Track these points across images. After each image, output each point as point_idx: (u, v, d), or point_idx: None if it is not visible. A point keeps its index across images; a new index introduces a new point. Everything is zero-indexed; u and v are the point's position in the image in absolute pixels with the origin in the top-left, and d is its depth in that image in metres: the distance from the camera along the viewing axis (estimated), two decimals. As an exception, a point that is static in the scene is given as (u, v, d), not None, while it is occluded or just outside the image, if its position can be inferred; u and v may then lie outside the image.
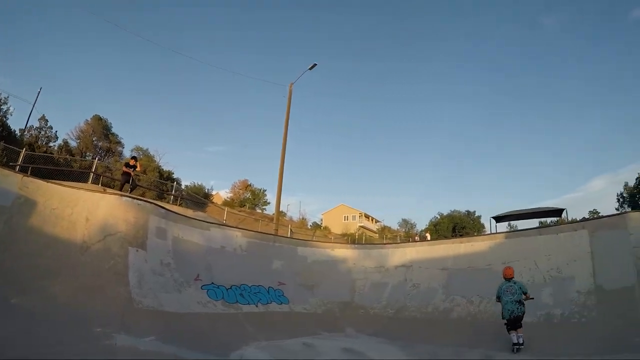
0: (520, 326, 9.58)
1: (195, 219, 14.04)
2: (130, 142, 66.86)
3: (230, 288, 12.39)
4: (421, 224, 74.62)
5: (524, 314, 9.68)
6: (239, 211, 42.22)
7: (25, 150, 19.75)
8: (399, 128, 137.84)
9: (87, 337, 7.17)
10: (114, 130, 40.93)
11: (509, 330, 9.69)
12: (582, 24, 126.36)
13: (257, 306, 12.45)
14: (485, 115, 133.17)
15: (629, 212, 13.84)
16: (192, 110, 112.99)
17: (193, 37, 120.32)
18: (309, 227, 52.09)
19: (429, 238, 38.37)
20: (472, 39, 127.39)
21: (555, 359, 8.91)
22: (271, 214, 50.17)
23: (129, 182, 17.84)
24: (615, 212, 55.00)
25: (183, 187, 38.59)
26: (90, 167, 22.39)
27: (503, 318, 9.76)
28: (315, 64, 26.74)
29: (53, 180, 12.02)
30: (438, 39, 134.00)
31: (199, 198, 31.99)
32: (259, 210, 52.60)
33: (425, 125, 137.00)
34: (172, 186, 27.71)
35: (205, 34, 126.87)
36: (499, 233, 17.32)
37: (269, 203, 56.30)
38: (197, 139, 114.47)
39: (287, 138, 25.80)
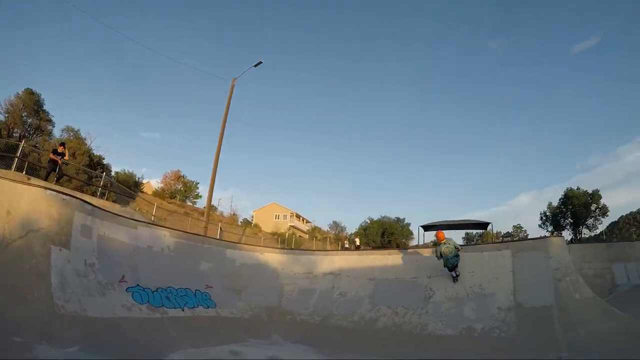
0: (456, 267, 13.27)
1: (123, 216, 13.39)
2: (61, 122, 63.92)
3: (156, 290, 11.88)
4: (351, 227, 75.55)
5: (458, 262, 13.11)
6: (169, 202, 41.34)
7: None
8: (336, 128, 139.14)
9: (5, 348, 6.64)
10: (46, 107, 38.47)
11: (449, 270, 13.37)
12: (523, 51, 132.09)
13: (183, 310, 12.03)
14: (419, 122, 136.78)
15: (550, 237, 14.86)
16: (131, 93, 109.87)
17: (142, 22, 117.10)
18: (239, 224, 51.62)
19: (358, 243, 39.04)
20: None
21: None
22: (202, 207, 49.44)
23: (55, 171, 17.12)
24: (539, 230, 58.57)
25: (113, 173, 37.01)
26: (16, 149, 21.07)
27: (445, 267, 13.23)
28: (261, 62, 26.63)
29: None
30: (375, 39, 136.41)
31: (128, 191, 30.87)
32: (189, 203, 51.69)
33: (361, 129, 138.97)
34: (102, 176, 26.56)
35: (155, 21, 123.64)
36: (426, 247, 17.81)
37: (200, 196, 55.49)
38: (133, 122, 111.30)
39: (225, 132, 25.56)
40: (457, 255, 12.99)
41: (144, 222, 14.78)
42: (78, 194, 16.21)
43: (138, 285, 11.60)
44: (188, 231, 17.30)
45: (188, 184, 55.21)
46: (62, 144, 18.84)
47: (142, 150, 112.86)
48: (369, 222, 66.08)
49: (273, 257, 17.33)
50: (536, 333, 10.83)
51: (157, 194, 46.34)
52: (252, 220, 67.98)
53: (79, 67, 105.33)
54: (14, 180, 11.65)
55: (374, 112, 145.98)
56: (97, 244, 11.45)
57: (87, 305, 9.54)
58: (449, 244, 12.99)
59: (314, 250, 20.99)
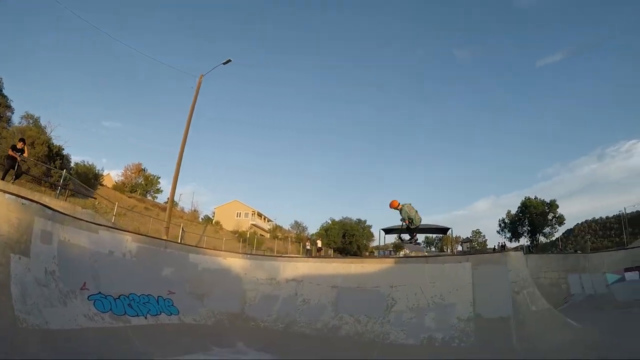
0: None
1: (84, 220, 13.04)
2: (20, 107, 61.81)
3: (119, 298, 11.64)
4: (313, 227, 75.66)
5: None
6: (129, 197, 40.63)
7: None
8: (300, 127, 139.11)
9: None
10: (5, 91, 37.01)
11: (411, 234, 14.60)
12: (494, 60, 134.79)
13: (146, 318, 11.86)
14: (385, 126, 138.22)
15: (509, 251, 15.41)
16: (95, 81, 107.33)
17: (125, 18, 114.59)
18: (201, 221, 51.20)
19: (320, 244, 39.18)
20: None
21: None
22: (163, 202, 48.84)
23: (14, 168, 16.62)
24: (497, 236, 61.18)
25: (73, 164, 35.84)
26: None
27: (408, 230, 14.12)
28: (230, 60, 26.58)
29: None
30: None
31: (88, 188, 30.17)
32: (150, 198, 50.91)
33: (324, 129, 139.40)
34: (61, 173, 25.84)
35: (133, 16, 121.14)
36: (389, 257, 18.18)
37: (161, 191, 54.93)
38: (95, 110, 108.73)
39: (190, 128, 25.43)
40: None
41: (106, 226, 14.45)
42: (37, 196, 15.81)
43: (100, 292, 11.31)
44: (150, 235, 17.07)
45: (149, 178, 54.37)
46: (22, 140, 18.16)
47: (103, 140, 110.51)
48: (330, 222, 66.36)
49: (236, 262, 17.25)
50: (494, 343, 11.20)
51: (117, 187, 45.42)
52: (213, 217, 67.45)
53: (41, 53, 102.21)
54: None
55: (338, 113, 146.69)
56: (58, 250, 11.03)
57: (49, 317, 9.24)
58: (400, 211, 13.76)
59: (277, 256, 21.08)
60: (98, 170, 40.12)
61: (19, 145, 17.23)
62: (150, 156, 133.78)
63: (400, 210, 13.39)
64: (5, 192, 11.19)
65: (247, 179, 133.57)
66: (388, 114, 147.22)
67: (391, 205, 13.78)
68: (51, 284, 10.15)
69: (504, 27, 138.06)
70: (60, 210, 12.43)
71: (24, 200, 11.00)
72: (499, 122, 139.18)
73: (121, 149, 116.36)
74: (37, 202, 11.76)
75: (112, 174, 57.02)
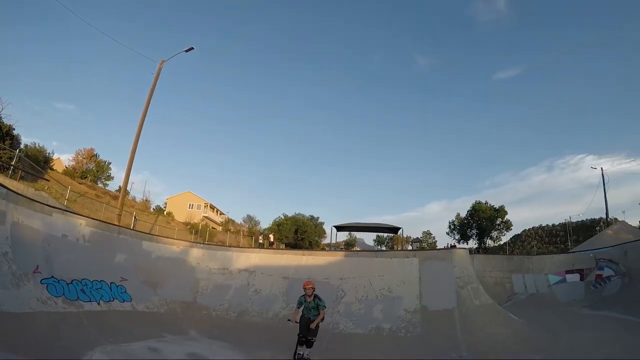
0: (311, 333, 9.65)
1: (38, 202, 12.74)
2: None
3: (72, 282, 11.56)
4: (265, 222, 75.50)
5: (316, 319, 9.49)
6: (80, 183, 39.70)
7: None
8: (255, 123, 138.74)
9: None
10: None
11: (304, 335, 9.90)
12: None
13: (99, 304, 11.85)
14: (340, 126, 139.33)
15: (456, 249, 16.03)
16: (49, 58, 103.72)
17: None
18: (152, 211, 50.49)
19: (272, 239, 39.37)
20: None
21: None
22: (113, 190, 47.90)
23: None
24: (446, 237, 62.74)
25: (22, 146, 34.66)
26: None
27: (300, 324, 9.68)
28: (192, 48, 26.44)
29: None
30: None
31: (39, 169, 29.38)
32: (100, 185, 49.76)
33: (279, 127, 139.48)
34: (16, 154, 25.14)
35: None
36: (339, 251, 18.64)
37: (112, 178, 53.45)
38: (47, 90, 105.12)
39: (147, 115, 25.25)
40: (317, 308, 9.55)
41: (60, 208, 14.22)
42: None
43: (53, 276, 11.19)
44: (104, 221, 16.88)
45: (101, 164, 52.90)
46: None
47: (54, 122, 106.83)
48: (283, 218, 66.42)
49: (189, 251, 17.39)
50: (439, 334, 11.96)
51: (68, 172, 44.02)
52: (165, 207, 66.59)
53: None
54: None
55: (294, 111, 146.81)
56: (11, 231, 10.81)
57: (2, 299, 9.12)
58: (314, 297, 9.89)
59: (230, 246, 21.14)
60: (48, 153, 38.81)
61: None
62: (103, 142, 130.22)
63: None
64: None
65: (201, 171, 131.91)
66: (345, 114, 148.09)
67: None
68: (4, 266, 9.94)
69: (464, 39, 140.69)
70: (14, 190, 12.20)
71: None
72: (452, 127, 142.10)
73: (73, 132, 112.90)
74: None
75: (63, 159, 55.32)
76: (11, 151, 25.70)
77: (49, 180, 29.20)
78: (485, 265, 20.92)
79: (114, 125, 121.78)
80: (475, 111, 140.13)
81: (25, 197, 12.39)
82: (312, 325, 9.23)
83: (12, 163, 24.69)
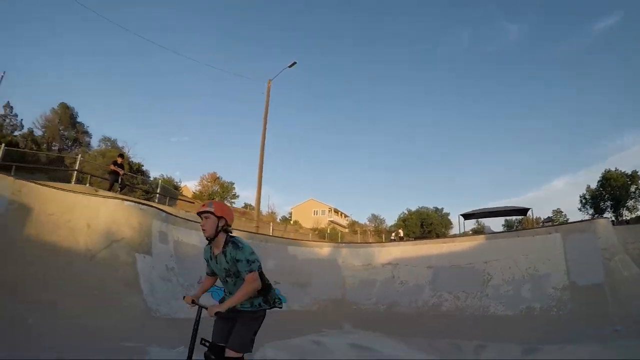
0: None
1: (192, 221, 14.04)
2: (97, 132, 65.71)
3: None
4: (390, 220, 75.38)
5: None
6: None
7: (4, 146, 19.33)
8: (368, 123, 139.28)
9: (118, 352, 7.19)
10: (80, 119, 40.31)
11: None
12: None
13: (258, 306, 12.57)
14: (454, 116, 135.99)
15: (598, 218, 15.24)
16: (158, 99, 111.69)
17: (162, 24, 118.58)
18: (279, 222, 52.35)
19: (401, 234, 39.28)
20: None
21: (538, 346, 10.05)
22: (240, 207, 50.43)
23: (117, 182, 17.84)
24: (579, 213, 58.40)
25: (152, 179, 38.01)
26: (57, 162, 22.16)
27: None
28: (295, 62, 27.22)
29: (46, 183, 11.88)
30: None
31: (176, 192, 31.86)
32: (227, 204, 52.44)
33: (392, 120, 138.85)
34: (159, 184, 27.66)
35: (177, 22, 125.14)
36: (479, 234, 18.24)
37: (238, 196, 56.32)
38: (162, 129, 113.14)
39: (259, 132, 26.36)
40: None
41: None
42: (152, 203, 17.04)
43: (215, 285, 12.06)
44: (250, 231, 17.92)
45: (225, 185, 56.03)
46: (121, 155, 19.63)
47: (173, 155, 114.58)
48: (407, 213, 66.11)
49: (331, 252, 17.87)
50: (590, 309, 11.35)
51: (197, 196, 47.26)
52: (290, 217, 68.69)
53: (103, 76, 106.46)
54: (90, 194, 12.44)
55: (402, 106, 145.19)
56: (174, 249, 12.23)
57: (176, 307, 10.22)
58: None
59: (371, 243, 21.45)
60: (176, 182, 42.46)
61: (119, 160, 18.61)
62: (221, 163, 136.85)
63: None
64: (124, 199, 12.39)
65: (319, 177, 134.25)
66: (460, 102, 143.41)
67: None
68: (172, 279, 11.33)
69: None
70: (171, 213, 13.44)
71: (141, 205, 12.20)
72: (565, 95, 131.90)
73: (192, 160, 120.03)
74: (153, 206, 12.95)
75: (189, 185, 59.62)
76: (149, 183, 28.08)
77: (193, 202, 31.37)
78: (626, 237, 19.39)
79: (228, 149, 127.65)
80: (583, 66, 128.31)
81: (181, 217, 13.83)
82: (221, 309, 4.11)
83: (158, 191, 26.92)
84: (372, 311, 14.53)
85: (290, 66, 27.26)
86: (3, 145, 19.38)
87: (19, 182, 10.12)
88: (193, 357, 4.23)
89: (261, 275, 4.63)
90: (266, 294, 4.77)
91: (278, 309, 4.85)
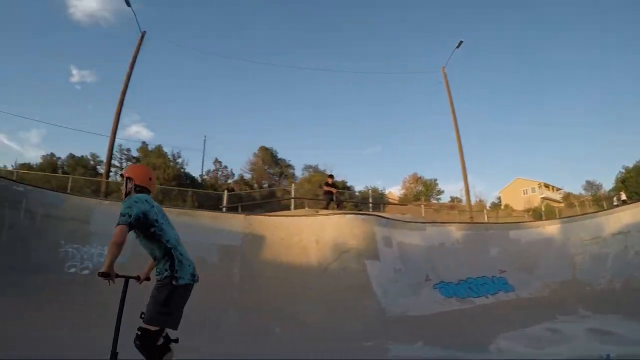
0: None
1: (411, 222, 14.87)
2: (298, 163, 71.10)
3: (459, 283, 12.94)
4: (607, 184, 68.40)
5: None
6: (416, 205, 42.91)
7: (227, 192, 22.89)
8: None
9: (361, 350, 8.16)
10: (280, 155, 45.73)
11: None
12: None
13: (487, 297, 12.81)
14: None
15: None
16: (344, 118, 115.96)
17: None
18: (489, 209, 51.08)
19: (624, 197, 35.46)
20: None
21: None
22: (446, 201, 50.53)
23: (333, 200, 19.37)
24: None
25: (357, 192, 40.22)
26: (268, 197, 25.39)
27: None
28: (462, 41, 27.16)
29: (272, 214, 13.73)
30: None
31: (383, 199, 33.42)
32: (434, 201, 52.79)
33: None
34: (367, 196, 29.55)
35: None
36: None
37: (443, 192, 56.36)
38: (353, 143, 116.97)
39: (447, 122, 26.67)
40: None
41: (430, 222, 16.16)
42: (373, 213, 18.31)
43: (442, 281, 12.82)
44: (469, 222, 18.11)
45: (428, 183, 56.55)
46: (331, 176, 21.30)
47: (371, 166, 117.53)
48: (624, 172, 59.09)
49: (554, 229, 16.78)
50: None
51: (403, 199, 48.43)
52: (499, 202, 66.59)
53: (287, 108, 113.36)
54: (314, 214, 13.98)
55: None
56: (399, 251, 13.10)
57: (408, 306, 11.18)
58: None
59: (596, 212, 19.88)
60: (381, 190, 44.76)
61: (330, 180, 20.21)
62: (419, 164, 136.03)
63: None
64: (346, 212, 13.70)
65: (521, 153, 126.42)
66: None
67: None
68: (400, 280, 12.31)
69: None
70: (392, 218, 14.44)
71: (362, 216, 13.38)
72: None
73: (390, 167, 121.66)
74: (372, 214, 14.06)
75: (393, 191, 61.26)
76: (356, 197, 30.06)
77: (406, 205, 32.80)
78: None
79: (422, 147, 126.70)
80: None
81: (399, 220, 14.92)
82: (103, 269, 3.77)
83: (370, 201, 28.73)
84: (606, 290, 13.47)
85: (457, 47, 27.34)
86: (226, 191, 23.74)
87: (249, 217, 12.60)
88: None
89: (157, 236, 4.21)
90: (170, 260, 4.17)
91: (191, 283, 4.24)
